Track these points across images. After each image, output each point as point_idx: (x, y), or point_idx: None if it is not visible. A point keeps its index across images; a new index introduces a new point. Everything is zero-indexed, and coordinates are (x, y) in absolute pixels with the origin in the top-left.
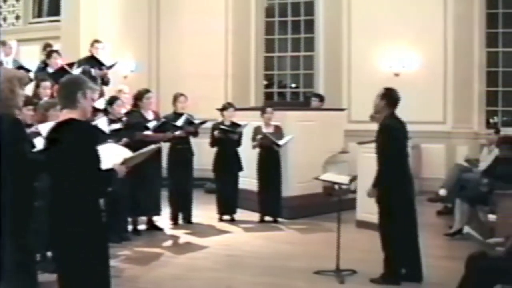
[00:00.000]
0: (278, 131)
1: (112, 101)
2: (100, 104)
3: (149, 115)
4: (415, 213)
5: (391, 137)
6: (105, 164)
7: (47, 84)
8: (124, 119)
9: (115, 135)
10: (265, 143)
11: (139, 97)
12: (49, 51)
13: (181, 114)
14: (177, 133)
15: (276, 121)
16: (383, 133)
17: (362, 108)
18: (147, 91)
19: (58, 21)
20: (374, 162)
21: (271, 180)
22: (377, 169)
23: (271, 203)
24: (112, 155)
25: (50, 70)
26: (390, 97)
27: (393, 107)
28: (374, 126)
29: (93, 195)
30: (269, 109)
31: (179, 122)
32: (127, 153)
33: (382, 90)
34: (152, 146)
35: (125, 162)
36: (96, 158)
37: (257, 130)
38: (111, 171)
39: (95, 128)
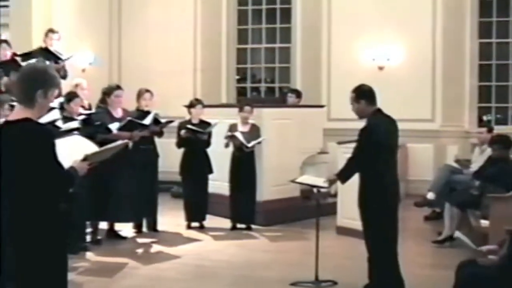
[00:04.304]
0: (253, 131)
1: (70, 98)
2: (55, 103)
3: (118, 113)
4: (397, 223)
5: (377, 141)
6: (64, 161)
7: None
8: (80, 118)
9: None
10: (235, 143)
11: (107, 92)
12: None
13: (145, 112)
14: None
15: (252, 119)
16: (365, 133)
17: (342, 105)
18: (118, 87)
19: (6, 6)
20: None
21: (245, 183)
22: (347, 161)
23: (244, 209)
24: (73, 151)
25: None
26: (364, 94)
27: (374, 102)
28: (356, 124)
29: (53, 200)
30: (247, 107)
31: (147, 121)
32: (91, 147)
33: (352, 93)
34: (119, 142)
35: (87, 158)
36: (54, 162)
37: (231, 127)
38: (70, 169)
39: (51, 129)
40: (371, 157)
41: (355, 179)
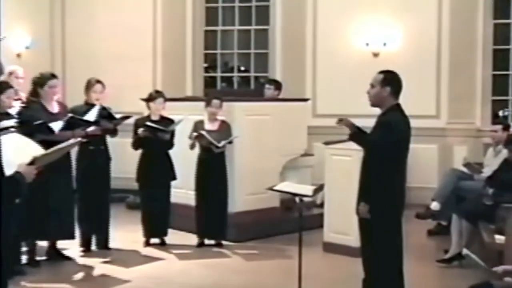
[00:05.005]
0: (223, 129)
1: (1, 89)
2: None
3: (53, 108)
4: (402, 235)
5: (396, 140)
6: (7, 166)
7: None
8: (16, 113)
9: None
10: (202, 143)
11: (40, 82)
12: None
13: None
14: (90, 129)
15: (221, 115)
16: (385, 132)
17: (330, 98)
18: (52, 76)
19: None
20: (346, 166)
21: (213, 192)
22: (364, 177)
23: (213, 222)
24: (16, 152)
25: None
26: (394, 82)
27: (397, 96)
28: None
29: None
30: (215, 101)
31: (91, 116)
32: (37, 149)
33: (380, 74)
34: (71, 141)
35: (34, 161)
36: None
37: (197, 125)
38: (16, 175)
39: None
40: (389, 157)
41: (345, 183)
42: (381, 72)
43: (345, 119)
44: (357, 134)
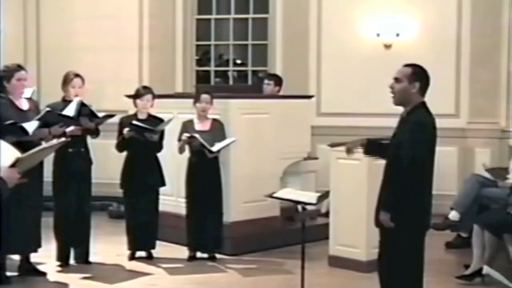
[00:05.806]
0: (215, 128)
1: None
2: None
3: (23, 104)
4: (423, 250)
5: (425, 142)
6: None
7: None
8: None
9: None
10: (193, 145)
11: (7, 76)
12: None
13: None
14: (69, 129)
15: (215, 114)
16: (418, 132)
17: (337, 95)
18: (19, 68)
19: None
20: (354, 171)
21: (206, 200)
22: (389, 182)
23: (206, 233)
24: None
25: None
26: (423, 78)
27: (424, 94)
28: (354, 121)
29: None
30: (205, 96)
31: (70, 111)
32: (12, 151)
33: (408, 68)
34: (55, 141)
35: (16, 163)
36: None
37: (186, 125)
38: None
39: None
40: (422, 161)
41: (353, 190)
42: (408, 65)
43: (348, 147)
44: (372, 144)
